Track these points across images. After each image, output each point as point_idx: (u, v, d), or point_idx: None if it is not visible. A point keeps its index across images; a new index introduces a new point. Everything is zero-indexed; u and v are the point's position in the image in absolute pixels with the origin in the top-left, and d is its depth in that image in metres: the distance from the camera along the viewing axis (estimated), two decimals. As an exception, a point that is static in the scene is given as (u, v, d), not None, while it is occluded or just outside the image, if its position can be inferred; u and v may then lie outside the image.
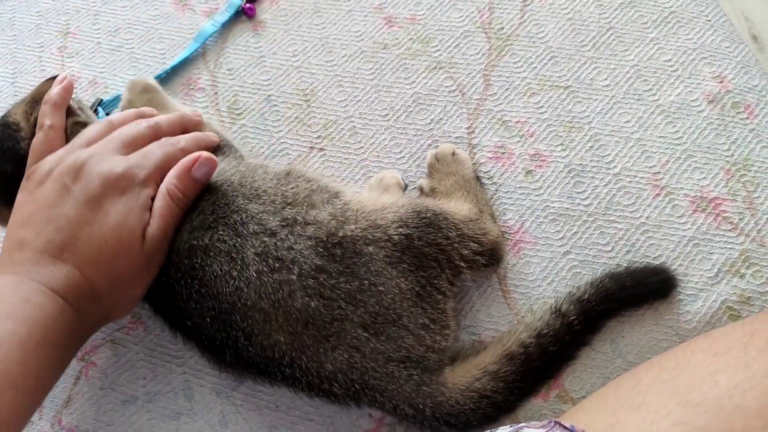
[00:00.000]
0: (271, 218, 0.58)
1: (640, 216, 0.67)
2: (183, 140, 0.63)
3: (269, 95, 0.79)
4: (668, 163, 0.70)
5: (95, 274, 0.55)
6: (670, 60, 0.76)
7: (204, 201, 0.60)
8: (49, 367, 0.53)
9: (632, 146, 0.71)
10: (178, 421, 0.63)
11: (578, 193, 0.69)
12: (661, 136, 0.71)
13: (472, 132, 0.74)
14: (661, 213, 0.67)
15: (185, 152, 0.62)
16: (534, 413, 0.60)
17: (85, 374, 0.66)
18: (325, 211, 0.58)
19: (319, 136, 0.76)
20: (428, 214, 0.59)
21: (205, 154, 0.60)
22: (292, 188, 0.60)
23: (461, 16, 0.81)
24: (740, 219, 0.66)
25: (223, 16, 0.84)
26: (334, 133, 0.76)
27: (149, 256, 0.57)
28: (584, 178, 0.70)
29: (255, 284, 0.55)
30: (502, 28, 0.80)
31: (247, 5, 0.84)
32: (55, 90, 0.65)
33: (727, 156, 0.69)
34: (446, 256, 0.59)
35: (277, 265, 0.55)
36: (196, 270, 0.57)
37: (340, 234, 0.56)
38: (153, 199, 0.58)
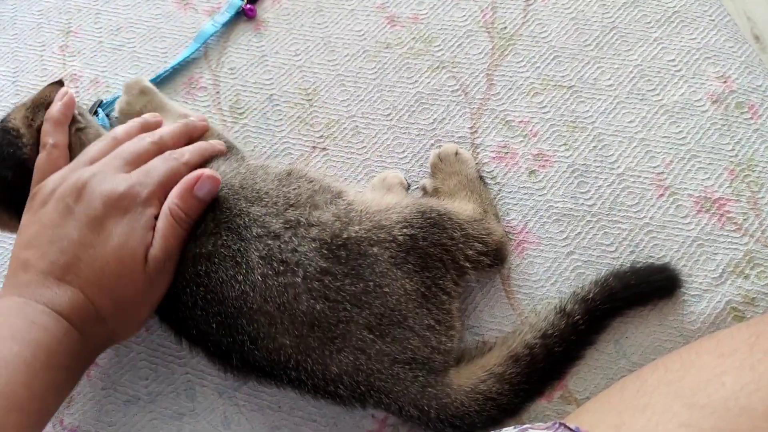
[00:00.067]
0: (274, 220, 0.57)
1: (644, 216, 0.67)
2: (187, 153, 0.62)
3: (271, 94, 0.79)
4: (672, 163, 0.69)
5: (99, 296, 0.55)
6: (673, 60, 0.75)
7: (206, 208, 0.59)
8: (54, 389, 0.53)
9: (636, 146, 0.71)
10: (181, 422, 0.63)
11: (582, 193, 0.69)
12: (665, 136, 0.71)
13: (475, 132, 0.74)
14: (665, 213, 0.67)
15: (189, 166, 0.61)
16: (538, 414, 0.60)
17: (87, 374, 0.66)
18: (329, 212, 0.58)
19: (321, 136, 0.76)
20: (433, 215, 0.59)
21: (207, 171, 0.59)
22: (294, 189, 0.60)
23: (464, 16, 0.81)
24: (744, 219, 0.66)
25: (223, 17, 0.84)
26: (337, 133, 0.76)
27: (152, 277, 0.56)
28: (588, 178, 0.69)
29: (260, 288, 0.55)
30: (505, 27, 0.80)
31: (248, 6, 0.84)
32: (56, 107, 0.64)
33: (731, 156, 0.69)
34: (451, 256, 0.58)
35: (281, 268, 0.55)
36: (201, 277, 0.57)
37: (345, 235, 0.56)
38: (157, 217, 0.58)
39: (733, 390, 0.47)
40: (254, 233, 0.57)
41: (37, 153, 0.63)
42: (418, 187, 0.71)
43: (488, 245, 0.61)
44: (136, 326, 0.60)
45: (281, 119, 0.77)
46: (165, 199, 0.58)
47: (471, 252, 0.59)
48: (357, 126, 0.76)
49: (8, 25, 0.89)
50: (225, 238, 0.57)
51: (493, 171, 0.71)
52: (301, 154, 0.75)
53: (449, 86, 0.77)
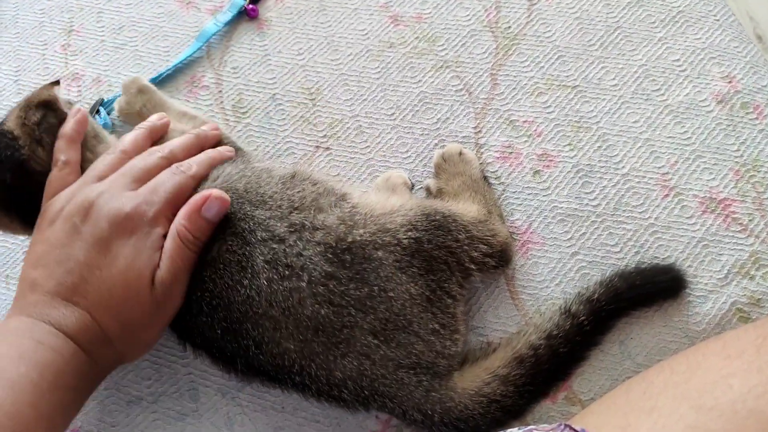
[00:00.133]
0: (279, 224, 0.57)
1: (649, 217, 0.67)
2: (195, 165, 0.61)
3: (274, 94, 0.78)
4: (677, 163, 0.69)
5: (106, 318, 0.55)
6: (678, 60, 0.75)
7: None
8: (62, 410, 0.52)
9: (641, 146, 0.70)
10: (184, 422, 0.63)
11: (586, 193, 0.69)
12: (670, 137, 0.71)
13: (479, 131, 0.73)
14: (670, 214, 0.67)
15: (196, 179, 0.60)
16: (542, 415, 0.60)
17: (90, 375, 0.65)
18: (333, 215, 0.58)
19: (324, 135, 0.75)
20: (437, 217, 0.59)
21: (215, 192, 0.57)
22: (299, 192, 0.60)
23: (468, 15, 0.81)
24: (750, 220, 0.66)
25: (225, 16, 0.83)
26: (340, 132, 0.75)
27: (159, 300, 0.56)
28: (592, 179, 0.69)
29: (266, 292, 0.55)
30: (509, 27, 0.79)
31: (250, 6, 0.84)
32: (69, 124, 0.63)
33: (737, 157, 0.69)
34: (456, 258, 0.58)
35: (287, 272, 0.55)
36: (206, 283, 0.56)
37: (349, 239, 0.56)
38: (165, 235, 0.57)
39: (740, 392, 0.47)
40: (259, 237, 0.56)
41: (34, 152, 0.62)
42: (421, 188, 0.70)
43: (493, 247, 0.61)
44: (143, 348, 0.59)
45: (284, 119, 0.77)
46: (173, 216, 0.58)
47: (476, 254, 0.59)
48: (360, 126, 0.75)
49: (10, 24, 0.89)
50: (230, 243, 0.57)
51: (497, 171, 0.71)
52: (304, 154, 0.74)
53: (453, 86, 0.76)
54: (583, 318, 0.59)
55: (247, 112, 0.78)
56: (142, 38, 0.85)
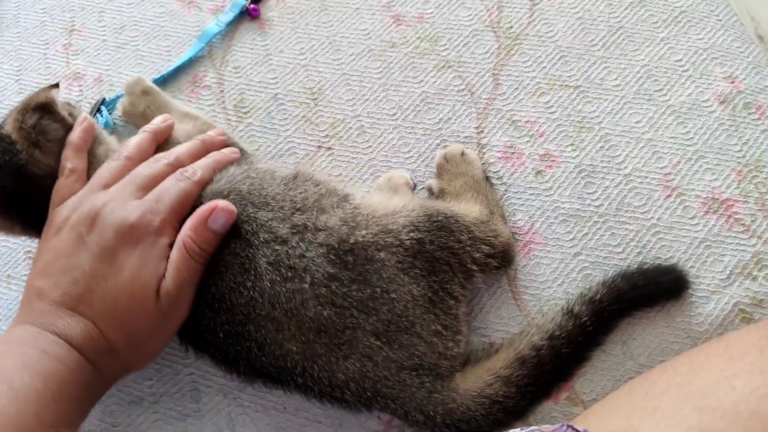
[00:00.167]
0: (281, 225, 0.57)
1: (651, 217, 0.67)
2: (200, 170, 0.61)
3: (276, 94, 0.78)
4: (679, 164, 0.69)
5: (111, 328, 0.55)
6: (680, 60, 0.75)
7: None
8: (66, 419, 0.52)
9: (643, 147, 0.70)
10: (185, 423, 0.63)
11: (589, 193, 0.69)
12: (672, 137, 0.71)
13: (481, 132, 0.73)
14: (673, 214, 0.67)
15: (201, 184, 0.60)
16: (544, 415, 0.60)
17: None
18: (336, 216, 0.58)
19: (326, 135, 0.75)
20: (440, 218, 0.59)
21: (221, 203, 0.57)
22: (301, 193, 0.60)
23: (470, 15, 0.81)
24: (752, 221, 0.66)
25: (227, 16, 0.83)
26: (342, 132, 0.75)
27: (164, 311, 0.56)
28: (595, 179, 0.69)
29: (269, 294, 0.55)
30: (511, 27, 0.79)
31: (251, 6, 0.84)
32: (76, 133, 0.63)
33: (739, 157, 0.69)
34: (458, 259, 0.58)
35: (289, 274, 0.55)
36: (209, 286, 0.56)
37: (352, 240, 0.56)
38: (171, 244, 0.57)
39: (743, 393, 0.47)
40: (262, 239, 0.56)
41: (31, 155, 0.62)
42: (423, 188, 0.70)
43: (495, 247, 0.61)
44: (149, 358, 0.59)
45: (286, 118, 0.77)
46: (178, 223, 0.57)
47: (478, 255, 0.59)
48: (362, 125, 0.75)
49: (11, 23, 0.89)
50: (233, 244, 0.57)
51: (499, 171, 0.71)
52: (306, 154, 0.74)
53: (455, 86, 0.76)
54: (585, 318, 0.59)
55: (248, 111, 0.77)
56: (144, 38, 0.85)
